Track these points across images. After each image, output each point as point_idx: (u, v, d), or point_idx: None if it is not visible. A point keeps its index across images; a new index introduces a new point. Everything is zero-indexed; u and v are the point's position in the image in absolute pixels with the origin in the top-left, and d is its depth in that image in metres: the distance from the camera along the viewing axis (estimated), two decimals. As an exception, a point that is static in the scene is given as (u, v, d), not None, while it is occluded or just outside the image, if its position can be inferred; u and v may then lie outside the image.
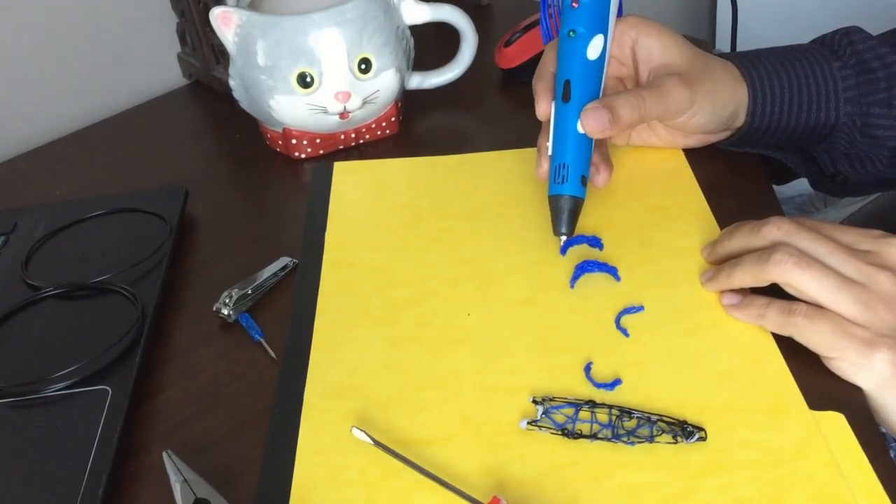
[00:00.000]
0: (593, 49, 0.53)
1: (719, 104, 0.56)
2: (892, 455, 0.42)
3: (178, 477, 0.42)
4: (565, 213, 0.54)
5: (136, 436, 0.47)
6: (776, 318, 0.46)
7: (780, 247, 0.46)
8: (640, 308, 0.50)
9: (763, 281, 0.47)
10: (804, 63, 0.58)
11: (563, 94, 0.54)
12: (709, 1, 1.38)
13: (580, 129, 0.53)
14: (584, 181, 0.54)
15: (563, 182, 0.53)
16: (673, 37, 0.57)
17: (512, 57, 0.77)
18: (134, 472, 0.45)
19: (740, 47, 1.19)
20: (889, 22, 0.62)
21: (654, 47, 0.56)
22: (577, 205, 0.54)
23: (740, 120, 0.58)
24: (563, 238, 0.54)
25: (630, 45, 0.57)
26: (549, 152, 0.55)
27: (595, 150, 0.56)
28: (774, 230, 0.48)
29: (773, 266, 0.46)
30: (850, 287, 0.45)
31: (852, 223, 0.86)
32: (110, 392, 0.48)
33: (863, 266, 0.45)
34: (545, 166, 0.56)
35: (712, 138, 0.61)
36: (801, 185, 1.29)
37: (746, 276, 0.48)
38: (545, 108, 0.55)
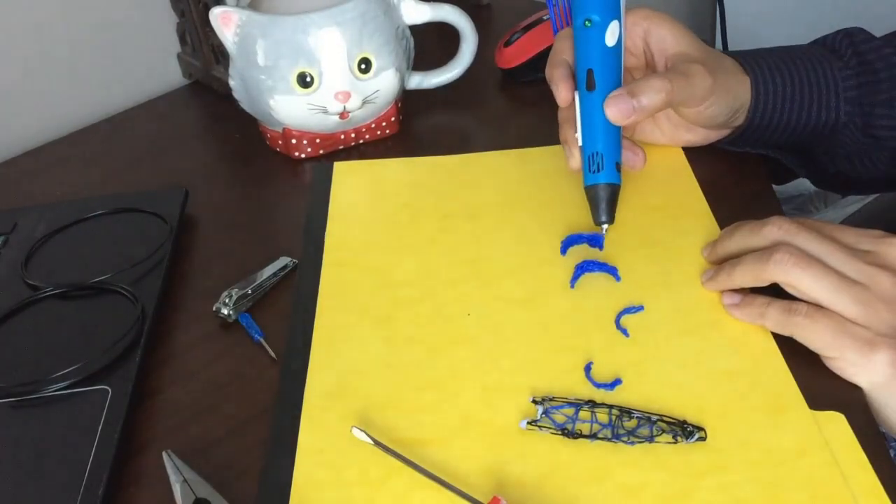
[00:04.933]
0: (611, 35, 0.53)
1: (731, 97, 0.56)
2: (892, 455, 0.42)
3: (178, 477, 0.43)
4: (604, 202, 0.54)
5: (136, 436, 0.47)
6: (777, 318, 0.46)
7: (781, 246, 0.46)
8: (640, 308, 0.50)
9: (763, 280, 0.47)
10: (805, 63, 0.58)
11: (587, 83, 0.54)
12: (710, 4, 1.39)
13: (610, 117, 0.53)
14: (618, 167, 0.54)
15: (598, 171, 0.54)
16: (683, 28, 0.57)
17: (512, 57, 0.77)
18: (134, 472, 0.45)
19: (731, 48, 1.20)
20: (885, 21, 0.62)
21: (667, 37, 0.57)
22: (614, 192, 0.54)
23: (741, 117, 0.58)
24: (605, 227, 0.55)
25: (642, 35, 0.58)
26: (579, 143, 0.55)
27: (625, 136, 0.57)
28: (775, 230, 0.48)
29: (774, 266, 0.46)
30: (850, 287, 0.45)
31: (852, 223, 0.86)
32: (110, 392, 0.48)
33: (863, 266, 0.45)
34: (577, 157, 0.56)
35: (713, 135, 0.61)
36: (801, 185, 1.29)
37: (747, 275, 0.48)
38: (565, 93, 0.55)
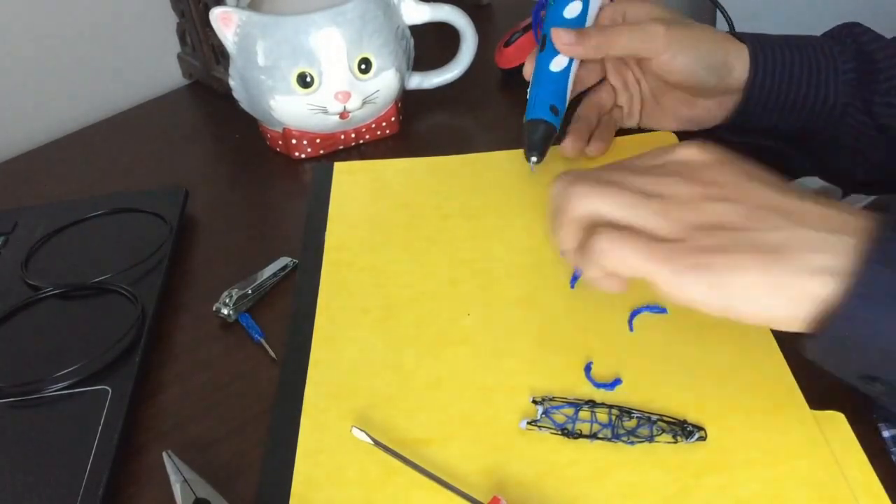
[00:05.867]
0: (570, 11, 0.61)
1: (705, 48, 0.58)
2: (892, 456, 0.42)
3: (178, 477, 0.43)
4: (529, 135, 0.60)
5: (136, 436, 0.47)
6: (580, 261, 0.41)
7: (595, 235, 0.40)
8: (656, 308, 0.50)
9: (597, 265, 0.40)
10: (803, 43, 0.59)
11: (541, 46, 0.62)
12: (710, 9, 1.38)
13: (551, 69, 0.60)
14: (554, 110, 0.60)
15: (532, 109, 0.60)
16: (660, 6, 0.60)
17: (512, 57, 0.77)
18: (134, 472, 0.45)
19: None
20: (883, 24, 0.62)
21: (641, 13, 0.60)
22: (546, 129, 0.60)
23: (734, 80, 0.59)
24: (533, 160, 0.60)
25: (621, 19, 0.61)
26: (528, 97, 0.61)
27: (601, 127, 0.63)
28: (557, 189, 0.42)
29: (596, 247, 0.40)
30: (649, 200, 0.40)
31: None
32: (110, 392, 0.48)
33: (654, 179, 0.41)
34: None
35: (714, 109, 0.62)
36: (801, 186, 1.28)
37: (583, 266, 0.42)
38: (528, 66, 0.62)
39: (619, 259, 0.39)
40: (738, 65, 0.58)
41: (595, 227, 0.41)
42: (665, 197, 0.40)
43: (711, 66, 0.58)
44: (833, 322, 0.36)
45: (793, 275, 0.37)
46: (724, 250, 0.38)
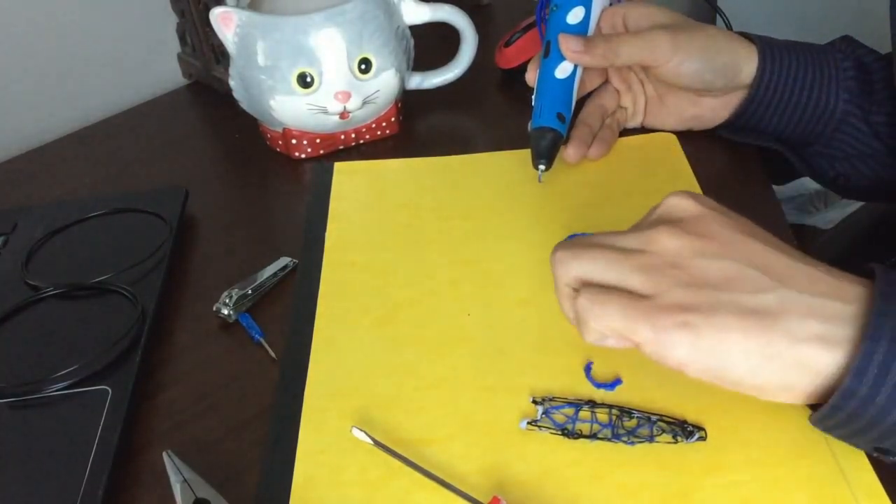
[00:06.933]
0: (573, 16, 0.61)
1: (712, 51, 0.58)
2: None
3: (178, 477, 0.43)
4: (537, 143, 0.60)
5: (136, 436, 0.47)
6: (572, 316, 0.42)
7: (578, 299, 0.40)
8: None
9: (596, 332, 0.41)
10: (807, 48, 0.60)
11: (545, 52, 0.62)
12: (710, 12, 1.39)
13: (557, 75, 0.60)
14: (560, 117, 0.60)
15: (539, 117, 0.60)
16: (661, 8, 0.60)
17: (512, 57, 0.77)
18: (134, 472, 0.45)
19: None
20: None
21: (641, 17, 0.61)
22: (553, 138, 0.59)
23: (742, 78, 0.59)
24: (541, 168, 0.60)
25: (621, 22, 0.62)
26: (533, 104, 0.61)
27: (604, 130, 0.64)
28: (554, 263, 0.42)
29: (580, 309, 0.40)
30: (629, 256, 0.40)
31: (853, 222, 0.86)
32: (110, 392, 0.48)
33: (638, 235, 0.41)
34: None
35: (719, 108, 0.62)
36: (801, 186, 1.29)
37: (589, 337, 0.42)
38: (531, 73, 0.62)
39: (600, 318, 0.39)
40: (746, 65, 0.59)
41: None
42: (648, 252, 0.39)
43: (718, 69, 0.58)
44: (834, 396, 0.35)
45: (781, 340, 0.36)
46: (709, 310, 0.37)
